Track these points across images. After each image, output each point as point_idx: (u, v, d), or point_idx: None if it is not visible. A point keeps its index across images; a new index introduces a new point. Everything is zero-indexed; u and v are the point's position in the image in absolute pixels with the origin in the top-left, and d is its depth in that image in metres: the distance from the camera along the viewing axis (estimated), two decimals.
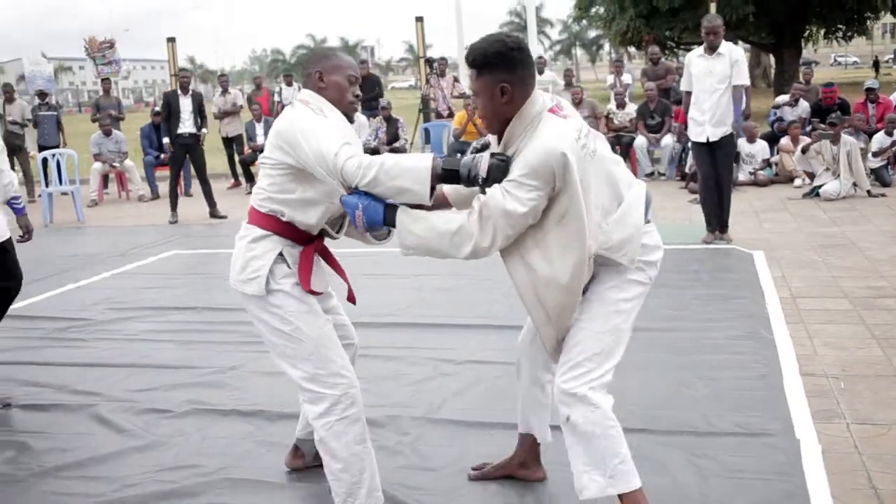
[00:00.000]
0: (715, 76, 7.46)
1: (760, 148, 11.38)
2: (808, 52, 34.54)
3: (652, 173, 12.47)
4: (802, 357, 4.57)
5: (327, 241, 3.17)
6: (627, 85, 14.13)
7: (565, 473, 2.91)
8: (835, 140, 10.01)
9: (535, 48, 23.32)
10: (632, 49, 33.86)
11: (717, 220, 7.69)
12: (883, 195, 9.79)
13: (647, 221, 2.82)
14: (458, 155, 2.81)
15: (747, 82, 7.64)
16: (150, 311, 6.18)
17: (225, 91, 14.40)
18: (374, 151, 11.93)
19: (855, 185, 9.91)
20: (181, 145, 11.07)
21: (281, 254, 2.97)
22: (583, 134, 2.67)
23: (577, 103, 12.94)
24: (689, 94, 7.70)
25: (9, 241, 4.69)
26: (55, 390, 4.66)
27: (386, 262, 7.15)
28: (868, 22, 26.92)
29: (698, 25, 7.92)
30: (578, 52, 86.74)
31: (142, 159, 13.89)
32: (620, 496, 2.73)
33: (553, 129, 2.62)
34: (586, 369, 2.70)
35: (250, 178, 13.21)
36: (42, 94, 14.95)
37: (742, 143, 10.84)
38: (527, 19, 18.11)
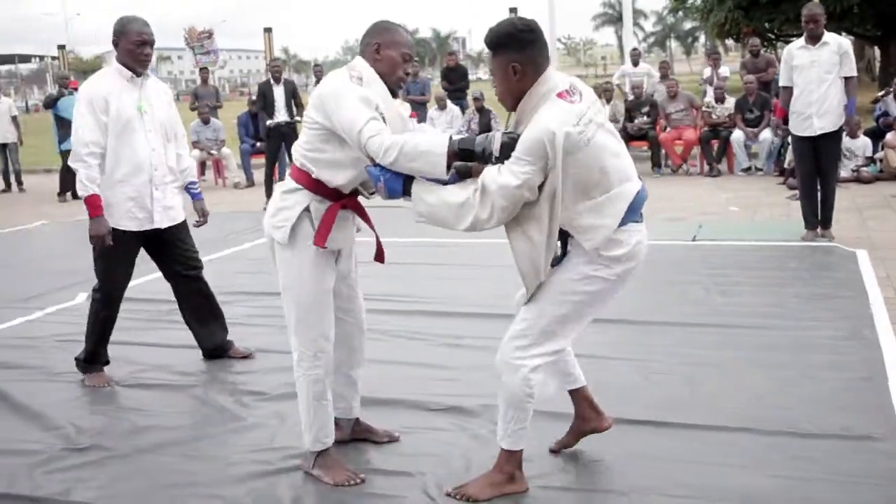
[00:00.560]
0: (821, 66, 7.20)
1: (863, 143, 11.01)
2: None
3: (749, 168, 12.20)
4: None
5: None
6: (725, 77, 13.79)
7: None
8: None
9: (630, 40, 23.05)
10: (728, 42, 33.04)
11: (818, 218, 7.46)
12: None
13: (637, 221, 2.95)
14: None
15: (855, 74, 7.39)
16: (245, 296, 6.30)
17: (319, 81, 14.57)
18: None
19: None
20: (276, 133, 11.25)
21: (308, 208, 3.16)
22: (583, 121, 2.82)
23: (673, 96, 12.75)
24: (786, 89, 7.45)
25: (184, 223, 4.79)
26: (158, 370, 4.81)
27: (480, 253, 7.16)
28: None
29: (799, 16, 7.67)
30: (673, 44, 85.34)
31: (238, 147, 14.19)
32: (507, 450, 3.10)
33: (552, 110, 2.80)
34: (529, 342, 2.98)
35: None
36: None
37: (843, 139, 10.49)
38: (622, 11, 17.89)
